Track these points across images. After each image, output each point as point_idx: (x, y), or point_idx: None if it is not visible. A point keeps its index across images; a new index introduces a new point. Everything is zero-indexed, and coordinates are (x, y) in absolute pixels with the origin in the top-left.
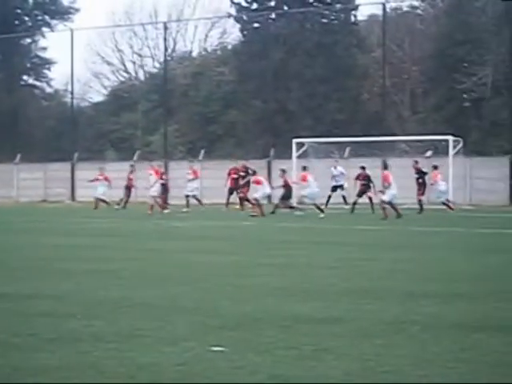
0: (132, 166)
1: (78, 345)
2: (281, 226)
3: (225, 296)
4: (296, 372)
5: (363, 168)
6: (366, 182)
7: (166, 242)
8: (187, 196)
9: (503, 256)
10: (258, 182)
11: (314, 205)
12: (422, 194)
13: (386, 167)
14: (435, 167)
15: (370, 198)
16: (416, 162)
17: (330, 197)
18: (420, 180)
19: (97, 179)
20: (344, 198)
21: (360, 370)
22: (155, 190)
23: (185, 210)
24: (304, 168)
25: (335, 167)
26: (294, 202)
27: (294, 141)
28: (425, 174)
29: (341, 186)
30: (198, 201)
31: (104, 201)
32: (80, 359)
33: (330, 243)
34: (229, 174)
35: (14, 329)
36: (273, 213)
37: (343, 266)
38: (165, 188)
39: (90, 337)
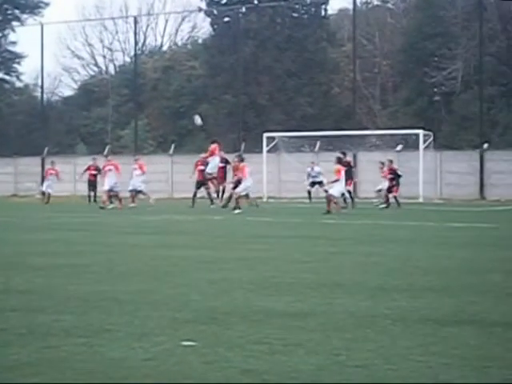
0: (94, 159)
1: (49, 339)
2: (251, 219)
3: (195, 290)
4: (267, 366)
5: (391, 161)
6: (393, 176)
7: (137, 236)
8: (132, 191)
9: (473, 249)
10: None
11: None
12: (396, 191)
13: (339, 161)
14: (391, 161)
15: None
16: (391, 162)
17: (309, 192)
18: (393, 179)
19: (50, 173)
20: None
21: (331, 364)
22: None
23: (132, 205)
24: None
25: (312, 168)
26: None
27: (265, 135)
28: (399, 176)
29: (320, 183)
30: (144, 194)
31: (48, 195)
32: (50, 354)
33: (301, 237)
34: (196, 166)
35: None
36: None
37: (314, 259)
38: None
39: (61, 331)
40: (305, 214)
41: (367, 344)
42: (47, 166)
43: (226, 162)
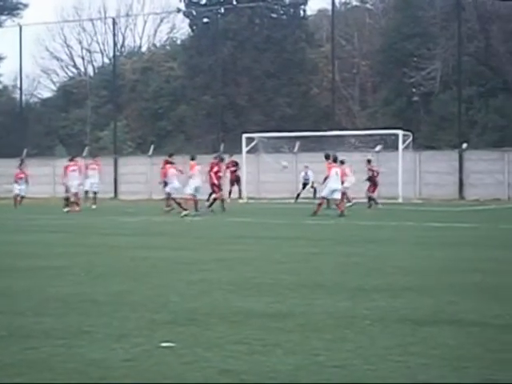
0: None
1: (29, 341)
2: (229, 220)
3: (174, 291)
4: (246, 367)
5: (369, 161)
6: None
7: (115, 237)
8: (85, 192)
9: (452, 249)
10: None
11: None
12: (373, 191)
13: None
14: (342, 162)
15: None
16: (369, 162)
17: (298, 194)
18: (372, 178)
19: (20, 177)
20: (315, 191)
21: (309, 364)
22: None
23: (94, 207)
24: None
25: (306, 172)
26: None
27: (244, 136)
28: (376, 174)
29: (307, 184)
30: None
31: (21, 198)
32: (31, 355)
33: (281, 238)
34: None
35: None
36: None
37: (293, 260)
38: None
39: (40, 333)
40: (285, 214)
41: (346, 344)
42: (16, 170)
43: (236, 164)
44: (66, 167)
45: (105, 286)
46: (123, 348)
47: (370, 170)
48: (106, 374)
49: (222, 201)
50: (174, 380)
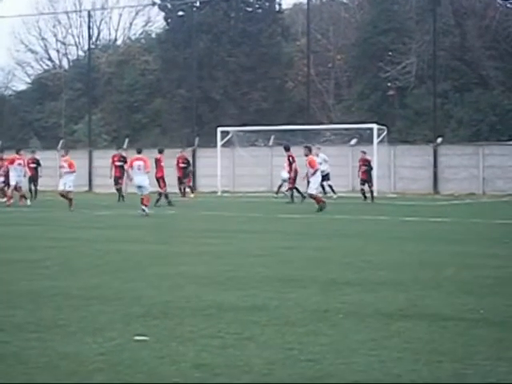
0: (33, 151)
1: (0, 335)
2: (205, 214)
3: (148, 285)
4: (219, 361)
5: (364, 152)
6: (366, 168)
7: (89, 230)
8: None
9: (425, 244)
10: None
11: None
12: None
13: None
14: (364, 152)
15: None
16: (364, 153)
17: (323, 186)
18: (366, 172)
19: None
20: (331, 187)
21: (283, 358)
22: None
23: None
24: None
25: (317, 154)
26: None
27: (219, 129)
28: (371, 168)
29: (327, 175)
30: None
31: None
32: (1, 349)
33: (255, 232)
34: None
35: None
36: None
37: (267, 254)
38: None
39: (12, 327)
40: (259, 208)
41: (319, 338)
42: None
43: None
44: (12, 160)
45: (78, 280)
46: (96, 342)
47: (365, 161)
48: (79, 368)
49: (166, 196)
50: (148, 374)
